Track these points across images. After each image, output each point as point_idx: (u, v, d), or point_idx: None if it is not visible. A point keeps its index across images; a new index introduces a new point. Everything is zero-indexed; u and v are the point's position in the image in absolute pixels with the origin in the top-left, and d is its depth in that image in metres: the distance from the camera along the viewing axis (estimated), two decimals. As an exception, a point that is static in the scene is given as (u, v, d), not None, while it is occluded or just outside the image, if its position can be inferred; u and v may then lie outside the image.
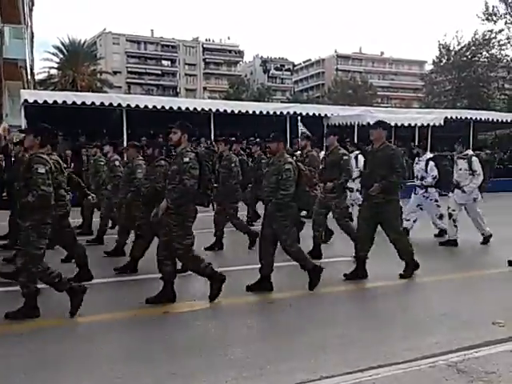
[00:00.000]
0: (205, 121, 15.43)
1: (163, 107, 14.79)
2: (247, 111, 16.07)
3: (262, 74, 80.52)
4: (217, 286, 4.89)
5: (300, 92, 79.07)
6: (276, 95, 69.54)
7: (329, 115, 17.19)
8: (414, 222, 8.78)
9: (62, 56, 43.68)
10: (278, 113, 16.51)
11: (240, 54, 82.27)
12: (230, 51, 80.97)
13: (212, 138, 15.18)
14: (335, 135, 7.20)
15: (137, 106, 14.53)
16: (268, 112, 16.36)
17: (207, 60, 78.89)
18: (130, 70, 72.87)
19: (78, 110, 14.15)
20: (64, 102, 13.87)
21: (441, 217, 8.66)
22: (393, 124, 16.58)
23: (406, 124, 16.85)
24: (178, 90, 74.54)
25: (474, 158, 7.78)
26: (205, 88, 77.24)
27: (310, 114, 16.71)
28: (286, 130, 16.01)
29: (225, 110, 15.73)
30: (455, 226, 7.92)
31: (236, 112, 15.88)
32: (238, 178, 7.48)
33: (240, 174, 7.57)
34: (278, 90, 77.18)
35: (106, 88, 43.79)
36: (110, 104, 14.30)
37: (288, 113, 16.52)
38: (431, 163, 8.53)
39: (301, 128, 13.16)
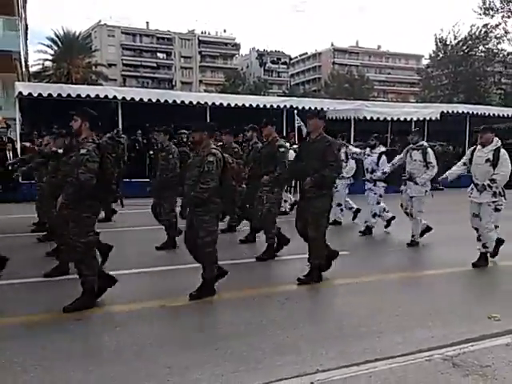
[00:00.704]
0: (201, 114, 15.37)
1: (159, 100, 14.74)
2: (244, 104, 16.02)
3: (259, 68, 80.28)
4: (82, 299, 4.39)
5: (296, 86, 78.95)
6: (272, 88, 69.34)
7: (325, 109, 17.16)
8: (385, 210, 8.73)
9: (56, 48, 43.41)
10: (275, 106, 16.48)
11: (236, 46, 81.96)
12: (226, 44, 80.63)
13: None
14: (273, 125, 6.72)
15: (132, 98, 14.47)
16: (265, 105, 16.32)
17: (203, 53, 78.53)
18: (125, 62, 72.44)
19: (73, 103, 14.05)
20: (59, 94, 13.79)
21: (374, 215, 8.54)
22: (389, 118, 16.65)
23: (402, 118, 16.87)
24: (173, 83, 74.22)
25: (430, 150, 7.52)
26: (201, 81, 76.96)
27: (306, 107, 16.60)
28: (282, 123, 15.98)
29: (221, 104, 15.68)
30: (420, 221, 7.62)
31: (232, 105, 15.83)
32: (175, 171, 7.12)
33: (178, 166, 7.12)
34: (275, 83, 76.97)
35: (101, 80, 43.59)
36: (106, 96, 14.23)
37: (285, 106, 16.49)
38: (383, 157, 8.35)
39: (297, 122, 13.11)
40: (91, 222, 4.45)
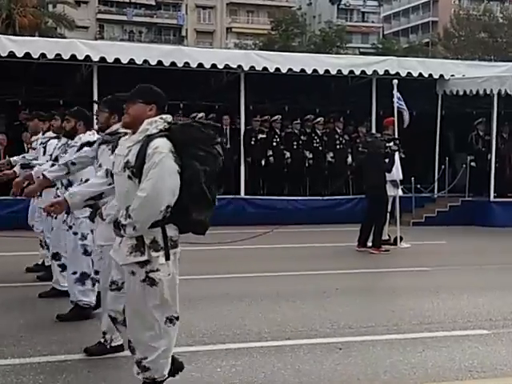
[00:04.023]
0: (229, 86, 15.52)
1: (160, 62, 14.95)
2: (303, 69, 16.03)
3: (329, 6, 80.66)
4: None
5: (395, 36, 78.72)
6: (353, 42, 69.50)
7: (446, 77, 16.98)
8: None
9: (-10, -25, 44.94)
10: (358, 72, 16.41)
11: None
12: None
13: (242, 113, 15.29)
14: None
15: (116, 60, 14.69)
16: (340, 71, 16.27)
17: (234, -19, 79.83)
18: (102, -2, 74.38)
19: (19, 67, 14.42)
20: (-5, 52, 14.20)
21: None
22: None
23: None
24: (183, 34, 75.45)
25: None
26: (229, 29, 77.91)
27: (414, 74, 16.53)
28: (371, 101, 15.94)
29: (264, 68, 15.72)
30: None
31: (284, 71, 15.87)
32: None
33: None
34: (357, 32, 77.11)
35: (63, 29, 44.73)
36: (72, 57, 14.48)
37: (375, 72, 16.42)
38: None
39: (397, 99, 13.09)
40: None
